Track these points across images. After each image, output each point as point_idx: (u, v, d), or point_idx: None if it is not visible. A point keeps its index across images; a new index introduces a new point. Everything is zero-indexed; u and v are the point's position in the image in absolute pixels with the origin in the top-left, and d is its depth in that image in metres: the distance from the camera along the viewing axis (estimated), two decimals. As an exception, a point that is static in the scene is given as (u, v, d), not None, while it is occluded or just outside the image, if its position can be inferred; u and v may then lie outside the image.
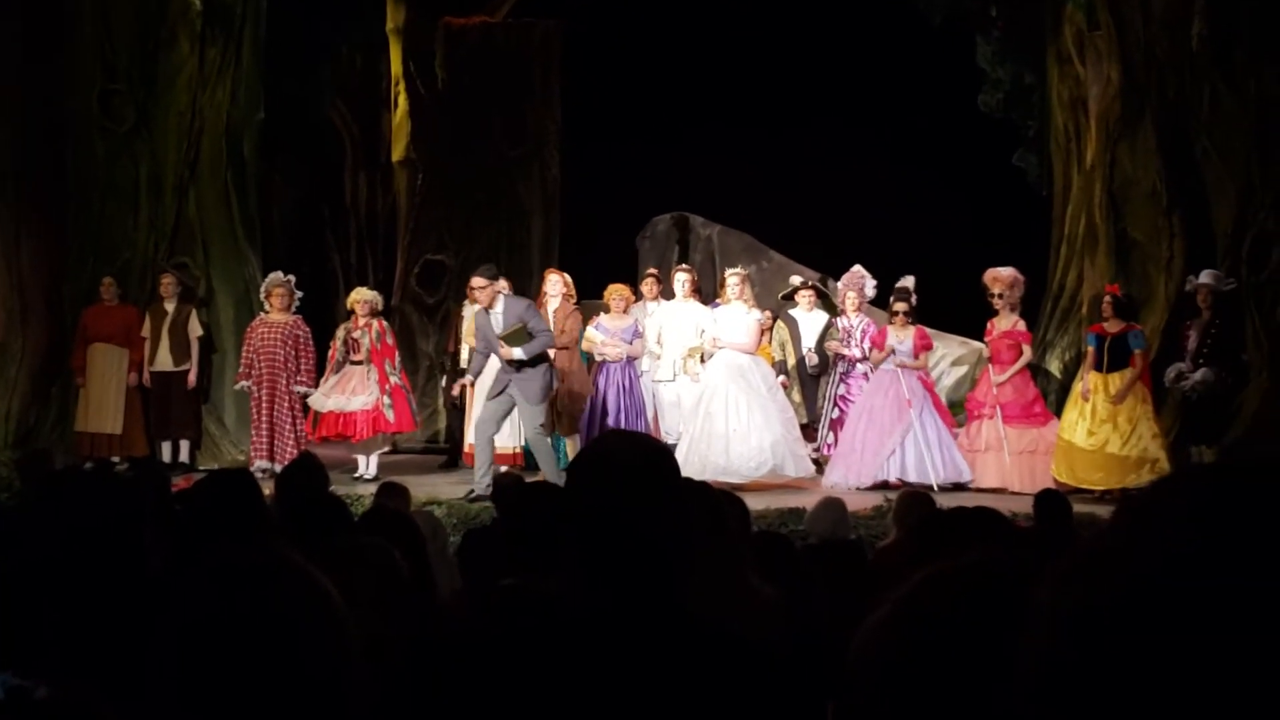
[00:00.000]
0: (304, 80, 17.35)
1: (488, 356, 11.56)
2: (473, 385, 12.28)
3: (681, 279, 13.02)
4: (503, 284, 12.94)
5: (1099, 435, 11.69)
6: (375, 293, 13.47)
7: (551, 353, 12.21)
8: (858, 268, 13.36)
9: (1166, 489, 0.71)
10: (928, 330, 12.94)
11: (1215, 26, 13.08)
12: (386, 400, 12.65)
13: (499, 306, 11.46)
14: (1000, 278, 12.56)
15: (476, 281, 11.67)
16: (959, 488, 11.59)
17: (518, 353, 11.22)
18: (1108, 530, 0.72)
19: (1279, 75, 13.00)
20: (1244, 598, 0.63)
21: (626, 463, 2.24)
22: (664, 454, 2.36)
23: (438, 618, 3.78)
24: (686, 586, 2.16)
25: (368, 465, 12.71)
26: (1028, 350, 12.56)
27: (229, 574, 1.55)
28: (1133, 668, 0.64)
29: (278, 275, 13.13)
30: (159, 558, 3.27)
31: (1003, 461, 12.13)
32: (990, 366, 12.65)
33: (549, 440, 11.57)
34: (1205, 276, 12.13)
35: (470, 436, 12.66)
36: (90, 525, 2.83)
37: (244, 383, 12.94)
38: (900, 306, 12.53)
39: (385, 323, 13.22)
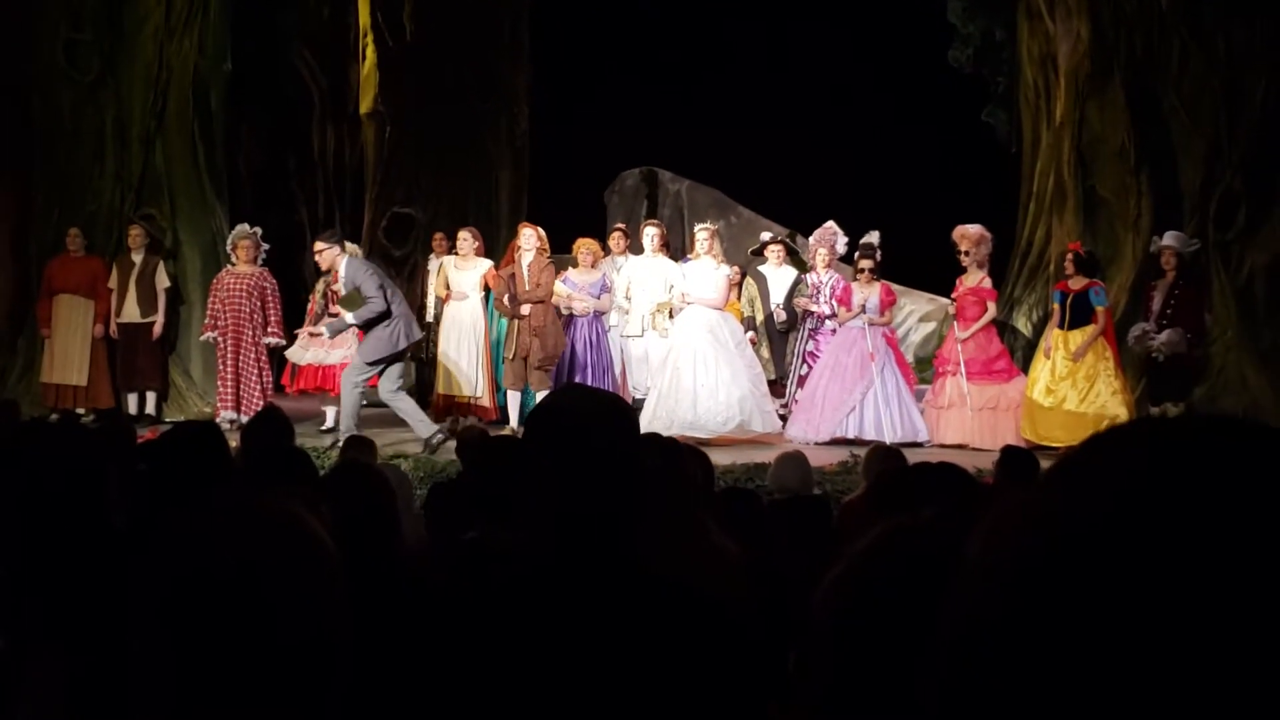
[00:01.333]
0: (271, 31, 17.22)
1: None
2: (315, 337, 12.32)
3: (650, 234, 12.98)
4: (472, 239, 12.93)
5: (1058, 392, 11.76)
6: (355, 247, 13.43)
7: (526, 308, 12.17)
8: (830, 224, 13.34)
9: (1101, 443, 0.72)
10: (892, 286, 12.97)
11: (1185, -17, 13.11)
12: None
13: (341, 270, 11.31)
14: (968, 235, 12.57)
15: (316, 246, 11.58)
16: (915, 446, 11.57)
17: (349, 317, 11.17)
18: (1040, 484, 0.72)
19: (1248, 33, 13.04)
20: (1167, 556, 0.64)
21: (578, 415, 2.25)
22: (618, 407, 2.36)
23: (403, 570, 3.79)
24: (637, 539, 2.17)
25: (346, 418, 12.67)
26: (992, 307, 12.58)
27: (220, 517, 1.55)
28: (1054, 624, 0.65)
29: (244, 227, 13.06)
30: (124, 511, 3.27)
31: (965, 417, 12.18)
32: (955, 323, 12.68)
33: (359, 393, 11.42)
34: (1169, 238, 12.17)
35: (439, 388, 12.70)
36: (55, 479, 2.82)
37: (210, 334, 12.87)
38: (866, 264, 12.55)
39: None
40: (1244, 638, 0.62)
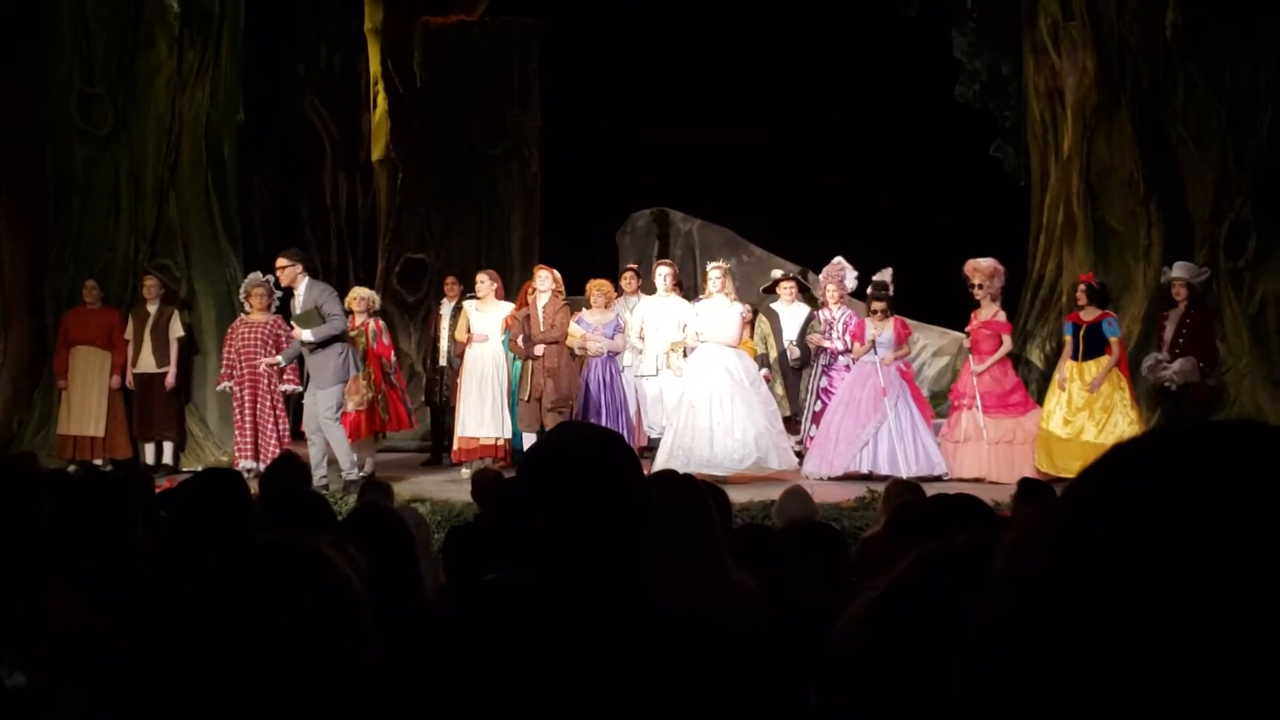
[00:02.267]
0: (282, 80, 17.32)
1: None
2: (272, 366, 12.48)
3: (663, 274, 13.00)
4: (491, 280, 12.94)
5: (1075, 424, 11.73)
6: (373, 292, 13.48)
7: (540, 349, 12.18)
8: (839, 259, 13.35)
9: (1121, 452, 0.73)
10: (907, 321, 12.96)
11: (1189, 15, 13.13)
12: (382, 399, 12.65)
13: (300, 289, 11.57)
14: (980, 268, 12.57)
15: (279, 262, 11.79)
16: (933, 480, 11.51)
17: (307, 335, 11.40)
18: (1065, 494, 0.73)
19: (1254, 63, 13.07)
20: (1183, 561, 0.64)
21: (576, 449, 2.26)
22: (615, 439, 2.37)
23: (423, 613, 3.79)
24: (641, 569, 2.18)
25: (363, 464, 12.63)
26: (1007, 340, 12.56)
27: (254, 558, 1.56)
28: (1078, 634, 0.65)
29: (256, 275, 13.06)
30: (145, 557, 3.28)
31: (981, 451, 12.15)
32: (970, 357, 12.67)
33: (341, 428, 11.61)
34: (1178, 270, 12.16)
35: (461, 431, 12.65)
36: (82, 526, 2.84)
37: (226, 384, 12.88)
38: (878, 305, 12.50)
39: (382, 322, 13.21)
40: (1254, 643, 0.62)
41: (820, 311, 13.25)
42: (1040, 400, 12.53)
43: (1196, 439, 0.70)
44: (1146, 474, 0.69)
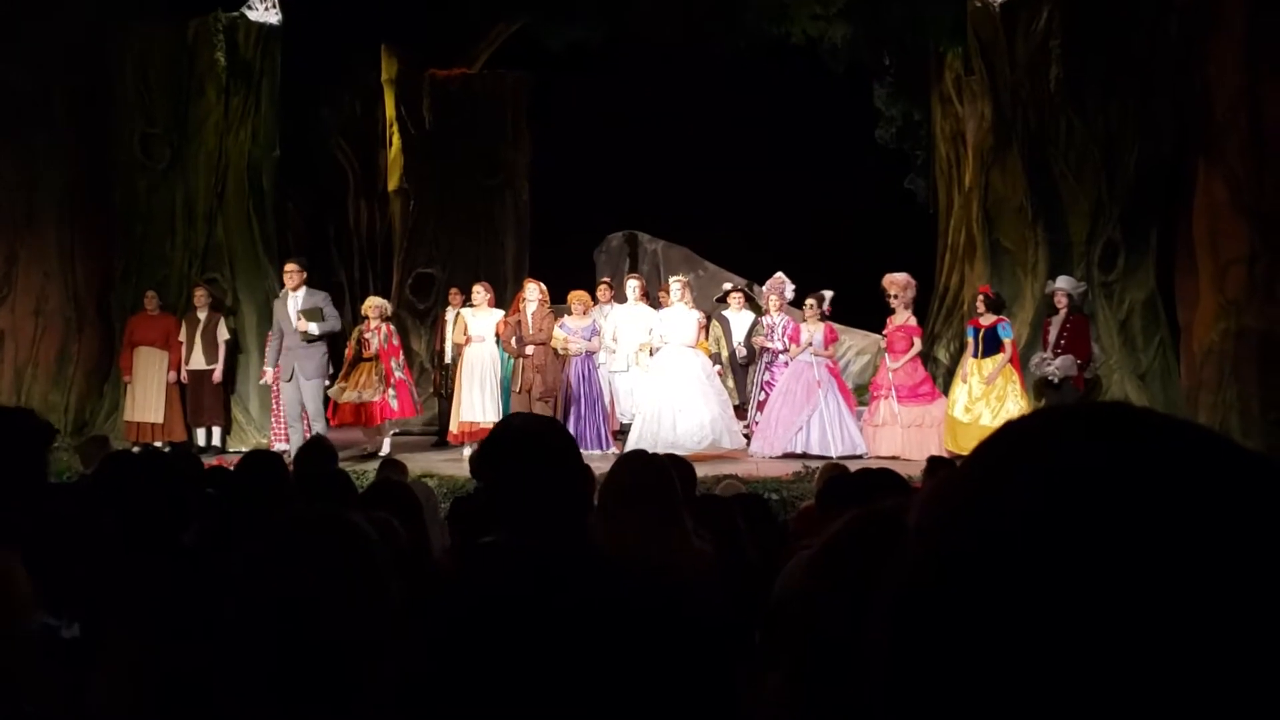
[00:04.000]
0: (312, 123, 17.23)
1: (281, 341, 11.94)
2: (273, 370, 12.35)
3: (632, 286, 13.02)
4: (485, 291, 12.90)
5: (975, 410, 11.78)
6: (385, 301, 13.42)
7: (530, 349, 12.16)
8: (779, 274, 13.38)
9: (1016, 434, 0.72)
10: (834, 325, 13.00)
11: (1069, 71, 13.20)
12: (392, 392, 12.61)
13: (301, 292, 11.85)
14: (896, 281, 12.62)
15: (288, 266, 12.06)
16: (855, 458, 11.55)
17: (313, 327, 11.61)
18: (968, 466, 0.72)
19: (1122, 111, 13.16)
20: (1076, 537, 0.64)
21: (512, 439, 2.32)
22: (547, 428, 2.46)
23: (432, 569, 3.78)
24: (573, 526, 2.24)
25: (380, 445, 12.65)
26: (918, 342, 12.62)
27: (301, 524, 1.55)
28: (981, 602, 0.65)
29: (290, 289, 13.02)
30: (195, 526, 3.26)
31: (896, 434, 12.21)
32: (887, 355, 12.71)
33: (325, 419, 11.92)
34: (1061, 282, 12.26)
35: (462, 415, 12.58)
36: (142, 496, 2.81)
37: (266, 378, 12.85)
38: (811, 300, 12.59)
39: (392, 326, 13.15)
40: (1126, 605, 0.62)
41: (764, 318, 13.26)
42: (946, 391, 12.58)
43: (1080, 422, 0.70)
44: (1039, 463, 0.68)
